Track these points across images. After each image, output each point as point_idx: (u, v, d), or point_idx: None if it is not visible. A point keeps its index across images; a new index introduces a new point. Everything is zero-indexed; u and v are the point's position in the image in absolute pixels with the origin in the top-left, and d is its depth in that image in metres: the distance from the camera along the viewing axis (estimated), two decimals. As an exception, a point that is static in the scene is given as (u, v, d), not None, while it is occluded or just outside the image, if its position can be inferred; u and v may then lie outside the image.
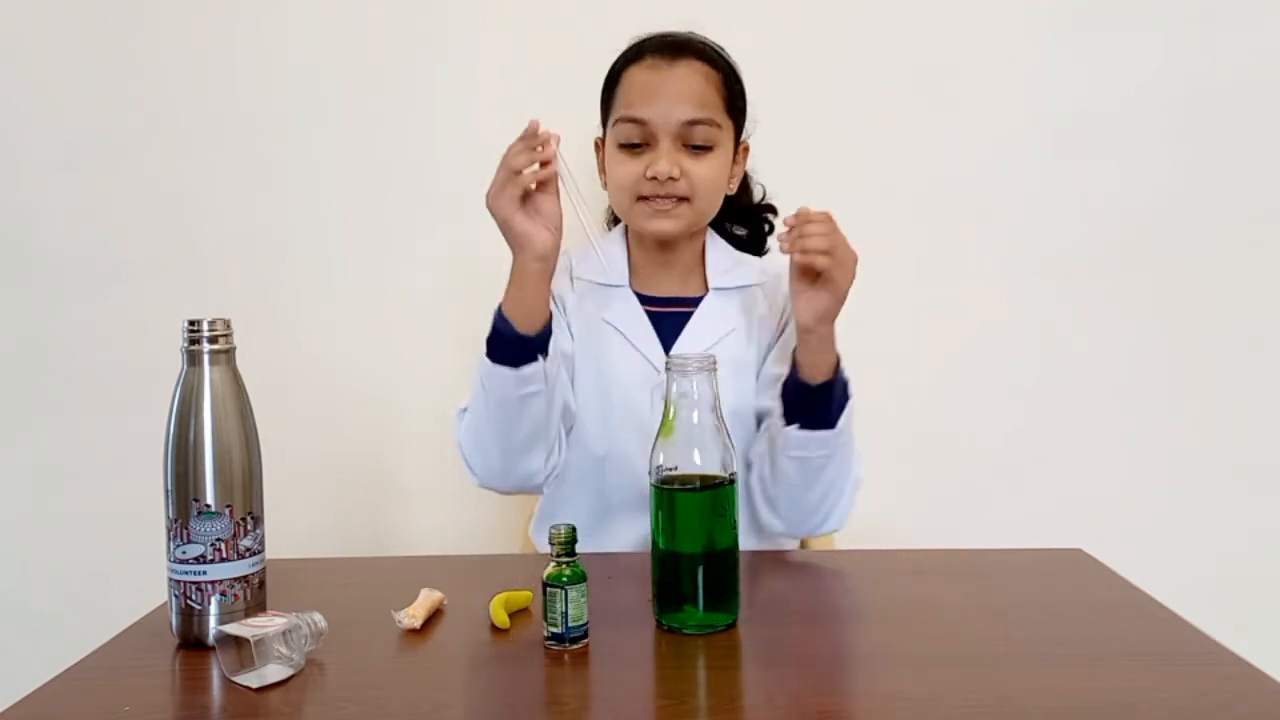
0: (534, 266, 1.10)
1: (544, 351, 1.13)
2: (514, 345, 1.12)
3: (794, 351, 1.15)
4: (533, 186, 1.09)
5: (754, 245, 1.38)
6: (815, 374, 1.13)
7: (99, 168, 1.72)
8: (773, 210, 1.39)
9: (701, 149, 1.20)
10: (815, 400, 1.13)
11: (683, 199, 1.20)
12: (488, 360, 1.12)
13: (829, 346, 1.13)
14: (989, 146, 1.71)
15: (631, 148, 1.21)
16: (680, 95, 1.18)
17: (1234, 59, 1.69)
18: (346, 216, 1.73)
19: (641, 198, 1.21)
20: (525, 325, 1.11)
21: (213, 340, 0.91)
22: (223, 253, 1.73)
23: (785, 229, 1.10)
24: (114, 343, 1.73)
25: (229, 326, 0.93)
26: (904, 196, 1.71)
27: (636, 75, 1.21)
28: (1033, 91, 1.70)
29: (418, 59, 1.71)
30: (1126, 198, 1.71)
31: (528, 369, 1.12)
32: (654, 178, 1.18)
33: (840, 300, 1.11)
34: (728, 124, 1.23)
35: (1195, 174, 1.71)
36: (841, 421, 1.14)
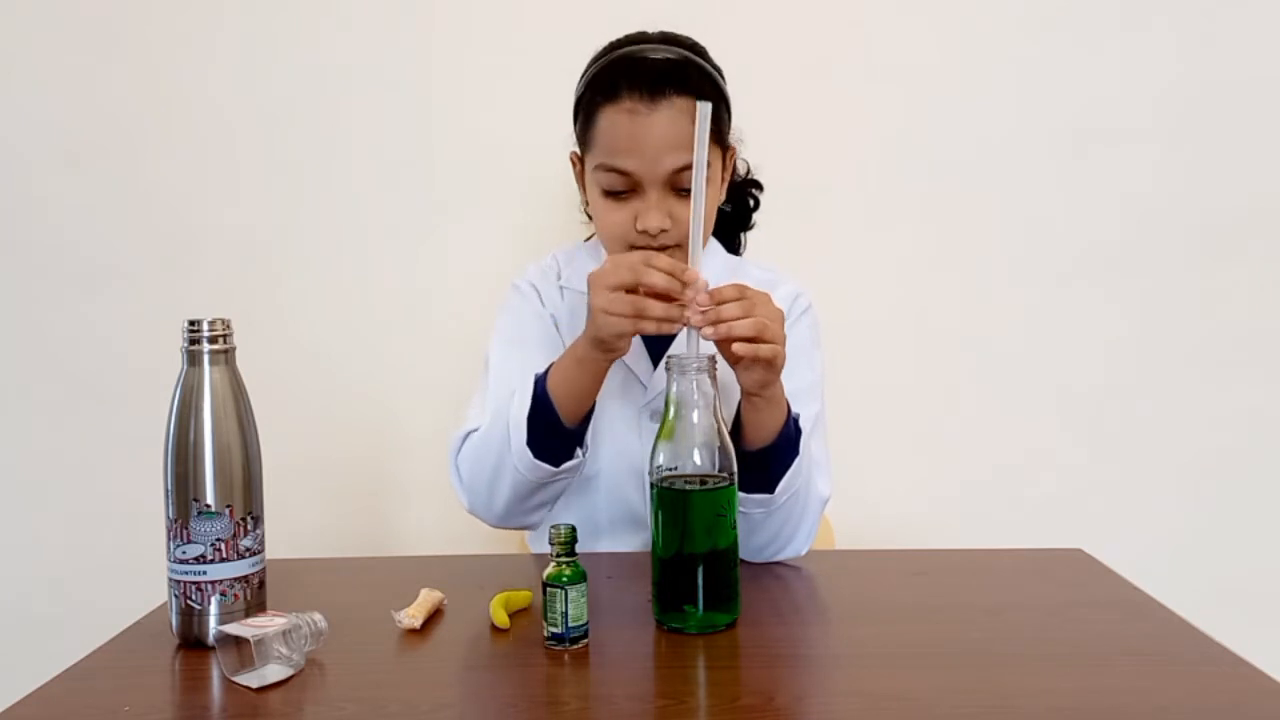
0: (606, 364, 1.06)
1: (582, 443, 1.10)
2: (560, 440, 1.08)
3: (739, 406, 1.06)
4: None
5: (739, 222, 1.35)
6: (758, 436, 1.04)
7: (98, 168, 1.72)
8: (758, 185, 1.34)
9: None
10: (753, 465, 1.04)
11: (676, 245, 1.13)
12: (528, 451, 1.06)
13: (777, 406, 1.04)
14: (993, 148, 1.71)
15: (616, 195, 1.14)
16: (665, 143, 1.09)
17: (1239, 59, 1.69)
18: (347, 217, 1.73)
19: (633, 246, 1.14)
20: (572, 411, 1.07)
21: (213, 340, 0.91)
22: (223, 253, 1.73)
23: (699, 312, 0.96)
24: (114, 343, 1.73)
25: (229, 326, 0.93)
26: (907, 197, 1.71)
27: (615, 120, 1.11)
28: (1034, 92, 1.70)
29: (417, 59, 1.71)
30: (1128, 199, 1.71)
31: (568, 464, 1.09)
32: (644, 230, 1.12)
33: (777, 370, 1.00)
34: (716, 153, 1.15)
35: (1198, 174, 1.71)
36: (782, 485, 1.06)
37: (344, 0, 1.71)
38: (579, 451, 1.10)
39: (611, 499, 1.21)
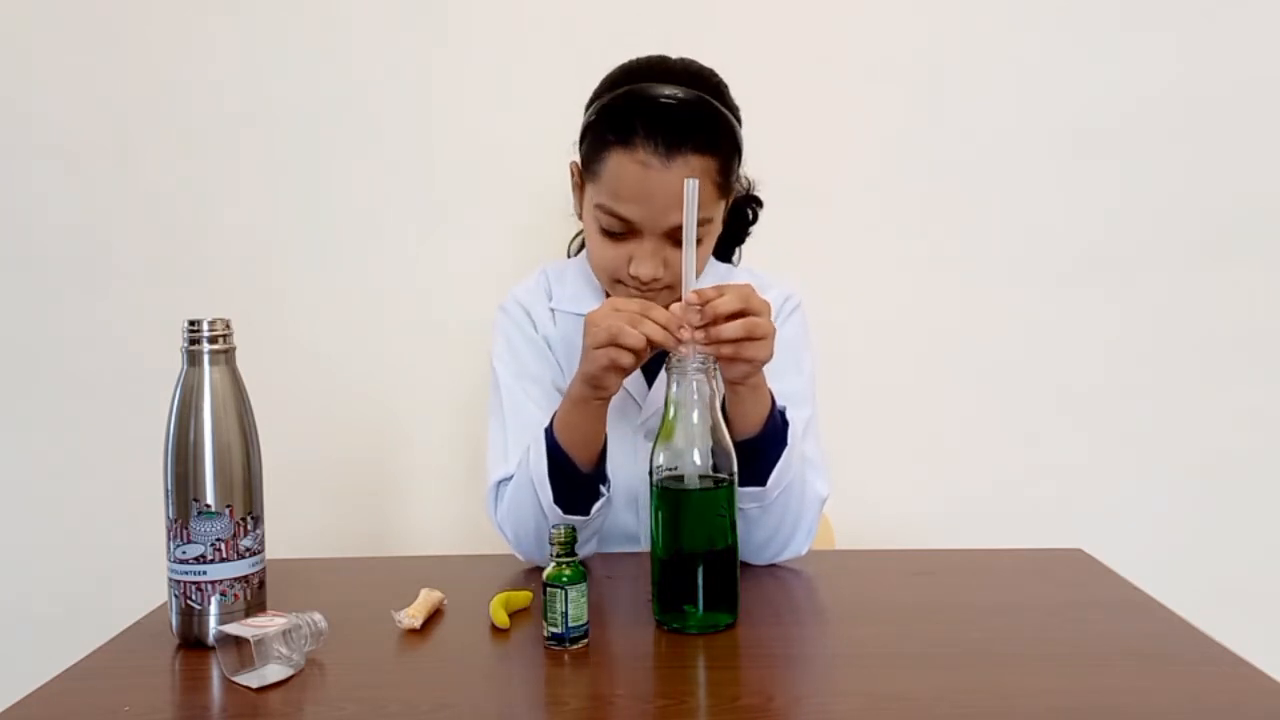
0: (602, 403, 1.06)
1: (606, 481, 1.12)
2: (583, 488, 1.09)
3: (722, 402, 1.03)
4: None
5: (734, 236, 1.33)
6: (744, 427, 1.04)
7: (99, 168, 1.72)
8: (758, 202, 1.32)
9: None
10: (742, 458, 1.01)
11: (667, 288, 1.13)
12: (557, 509, 1.08)
13: (760, 395, 1.04)
14: (993, 148, 1.70)
15: (614, 235, 1.13)
16: (673, 200, 1.03)
17: (1239, 59, 1.69)
18: (347, 217, 1.73)
19: (621, 282, 1.14)
20: (585, 456, 1.08)
21: (213, 340, 0.91)
22: (223, 253, 1.73)
23: (693, 312, 0.96)
24: (114, 343, 1.73)
25: (229, 326, 0.93)
26: (907, 197, 1.71)
27: (626, 167, 1.08)
28: (1035, 92, 1.70)
29: (417, 59, 1.71)
30: (1129, 199, 1.71)
31: (597, 506, 1.11)
32: (636, 276, 1.12)
33: (761, 366, 1.00)
34: (720, 204, 1.14)
35: (1198, 175, 1.71)
36: (774, 477, 1.06)
37: (344, 0, 1.71)
38: (603, 489, 1.11)
39: (612, 514, 1.19)
